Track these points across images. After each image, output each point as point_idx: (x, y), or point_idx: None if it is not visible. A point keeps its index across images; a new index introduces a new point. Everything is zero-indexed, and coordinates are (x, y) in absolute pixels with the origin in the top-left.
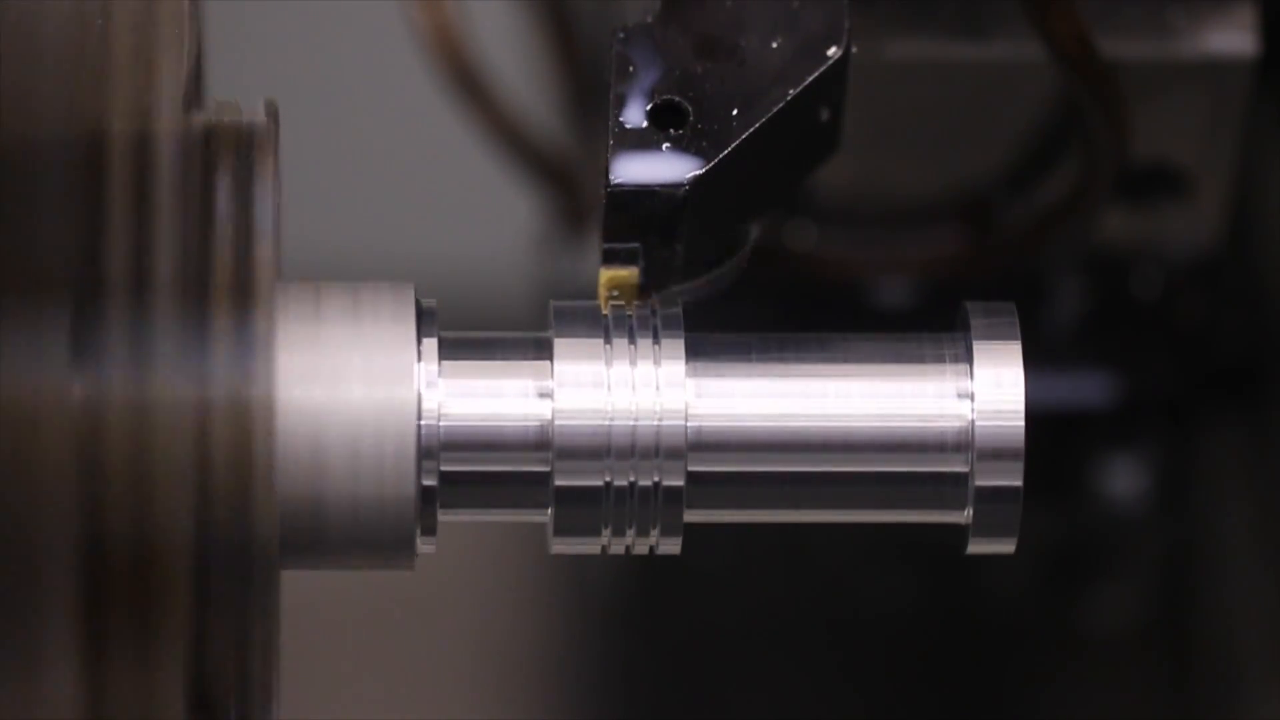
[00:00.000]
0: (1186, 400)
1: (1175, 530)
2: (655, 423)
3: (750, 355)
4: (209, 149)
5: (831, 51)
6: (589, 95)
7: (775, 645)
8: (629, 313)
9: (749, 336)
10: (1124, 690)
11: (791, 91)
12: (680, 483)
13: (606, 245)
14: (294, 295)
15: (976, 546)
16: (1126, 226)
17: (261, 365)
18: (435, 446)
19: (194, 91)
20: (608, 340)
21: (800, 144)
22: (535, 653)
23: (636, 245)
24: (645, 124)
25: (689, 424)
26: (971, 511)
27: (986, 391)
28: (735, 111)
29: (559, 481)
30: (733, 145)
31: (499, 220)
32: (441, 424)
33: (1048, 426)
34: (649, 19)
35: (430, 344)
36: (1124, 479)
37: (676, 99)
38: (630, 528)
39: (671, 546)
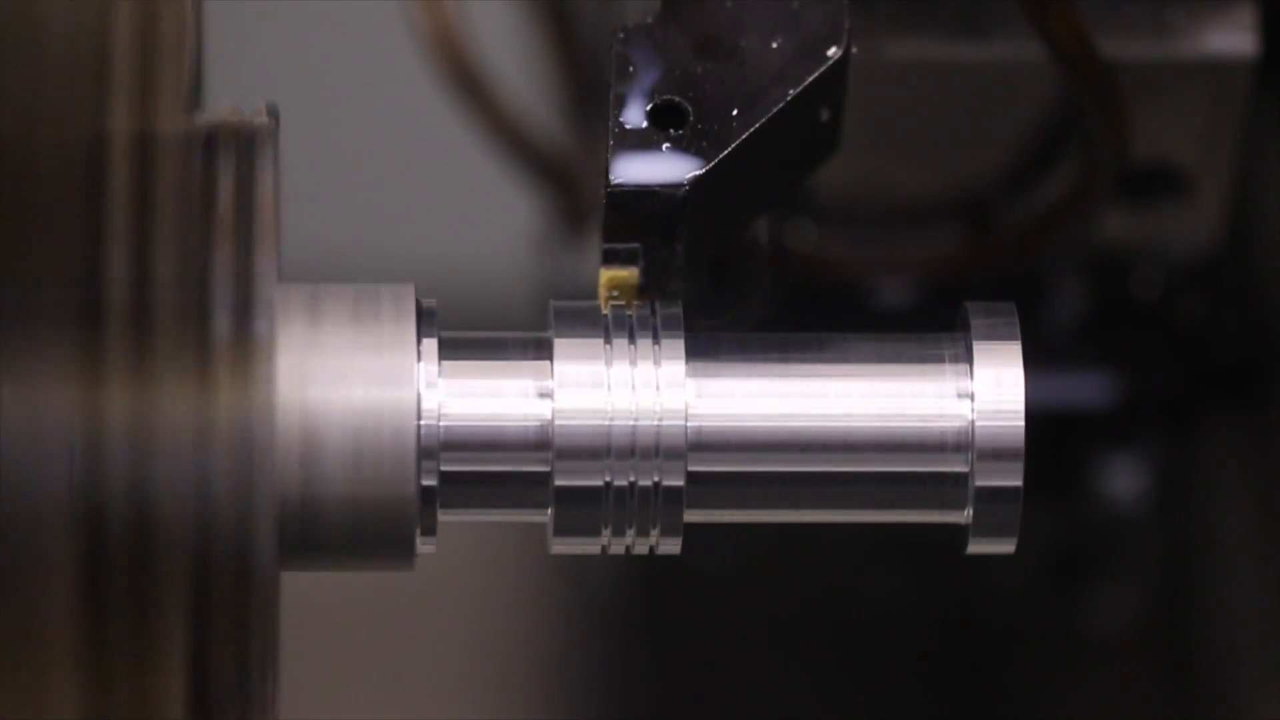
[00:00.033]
0: (1186, 400)
1: (1175, 530)
2: (655, 423)
3: (750, 355)
4: (209, 150)
5: (831, 51)
6: (589, 95)
7: (775, 645)
8: (629, 313)
9: (749, 336)
10: (1124, 690)
11: (791, 91)
12: (680, 483)
13: (606, 245)
14: (294, 296)
15: (976, 546)
16: (1126, 226)
17: (261, 366)
18: (435, 446)
19: (194, 92)
20: (608, 340)
21: (800, 144)
22: (535, 653)
23: (636, 245)
24: (645, 124)
25: (689, 424)
26: (971, 511)
27: (986, 391)
28: (735, 112)
29: (559, 481)
30: (733, 145)
31: (499, 220)
32: (441, 424)
33: (1048, 426)
34: (649, 19)
35: (430, 344)
36: (1124, 479)
37: (676, 99)
38: (630, 528)
39: (671, 546)
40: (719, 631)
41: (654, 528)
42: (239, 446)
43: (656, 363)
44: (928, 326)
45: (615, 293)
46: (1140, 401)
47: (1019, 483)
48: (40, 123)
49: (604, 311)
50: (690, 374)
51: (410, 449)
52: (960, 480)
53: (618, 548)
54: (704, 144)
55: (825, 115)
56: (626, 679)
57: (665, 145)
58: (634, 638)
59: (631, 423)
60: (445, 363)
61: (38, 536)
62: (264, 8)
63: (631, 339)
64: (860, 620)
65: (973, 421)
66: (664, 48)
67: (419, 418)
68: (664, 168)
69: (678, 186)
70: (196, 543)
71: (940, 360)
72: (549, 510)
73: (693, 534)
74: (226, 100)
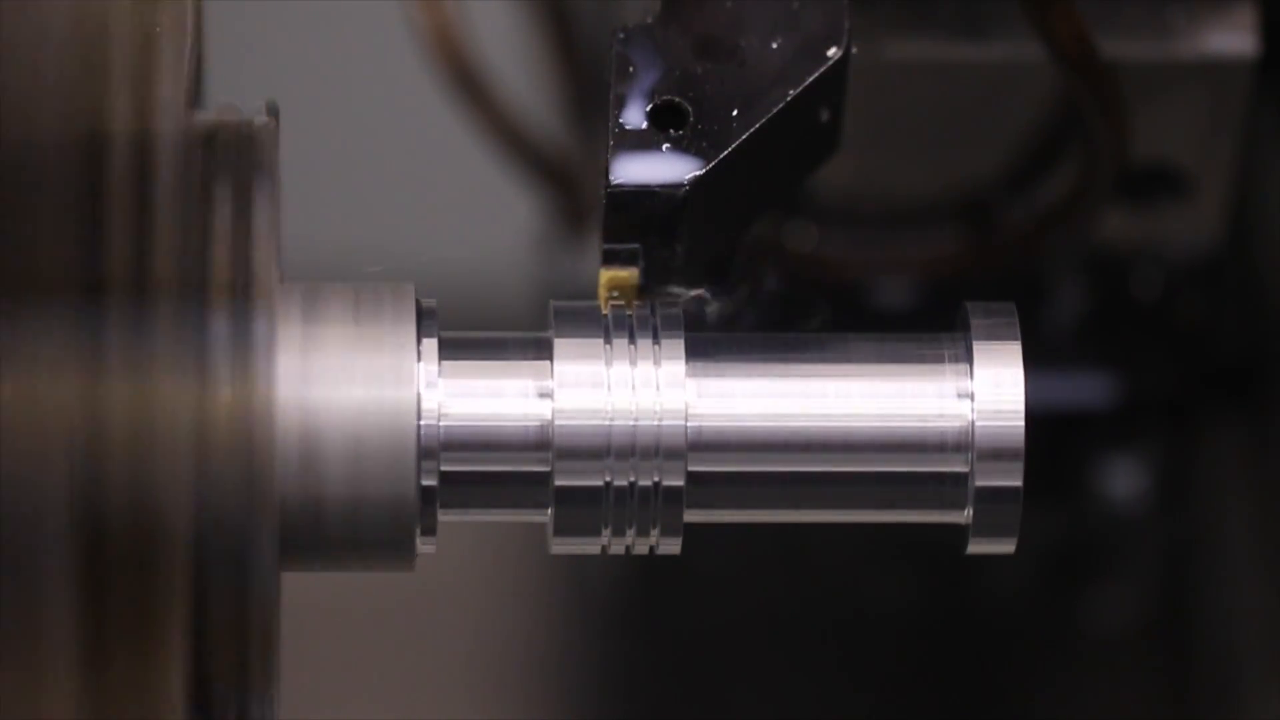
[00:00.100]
0: (1186, 400)
1: (1175, 530)
2: (655, 423)
3: (750, 355)
4: (209, 149)
5: (831, 52)
6: (589, 95)
7: (775, 645)
8: (629, 313)
9: (749, 336)
10: (1124, 690)
11: (791, 92)
12: (680, 483)
13: (606, 246)
14: (294, 296)
15: (976, 546)
16: (1126, 226)
17: (261, 366)
18: (435, 446)
19: (194, 92)
20: (608, 340)
21: (800, 144)
22: (535, 653)
23: (636, 246)
24: (645, 124)
25: (689, 424)
26: (971, 511)
27: (986, 391)
28: (735, 112)
29: (559, 481)
30: (733, 146)
31: (499, 220)
32: (441, 424)
33: (1048, 426)
34: (649, 19)
35: (430, 344)
36: (1124, 479)
37: (676, 99)
38: (630, 528)
39: (671, 546)
40: (719, 631)
41: (654, 528)
42: (239, 446)
43: (656, 363)
44: (928, 326)
45: (615, 293)
46: (1140, 401)
47: (1019, 483)
48: (40, 122)
49: (604, 311)
50: (690, 374)
51: (410, 449)
52: (960, 480)
53: (618, 548)
54: (704, 144)
55: (825, 115)
56: (626, 679)
57: (665, 145)
58: (634, 638)
59: (631, 423)
60: (445, 363)
61: (38, 536)
62: (264, 8)
63: (631, 339)
64: (860, 620)
65: (973, 421)
66: (664, 48)
67: (419, 418)
68: (664, 168)
69: (678, 187)
70: (196, 543)
71: (940, 360)
72: (549, 510)
73: (693, 534)
74: (226, 100)
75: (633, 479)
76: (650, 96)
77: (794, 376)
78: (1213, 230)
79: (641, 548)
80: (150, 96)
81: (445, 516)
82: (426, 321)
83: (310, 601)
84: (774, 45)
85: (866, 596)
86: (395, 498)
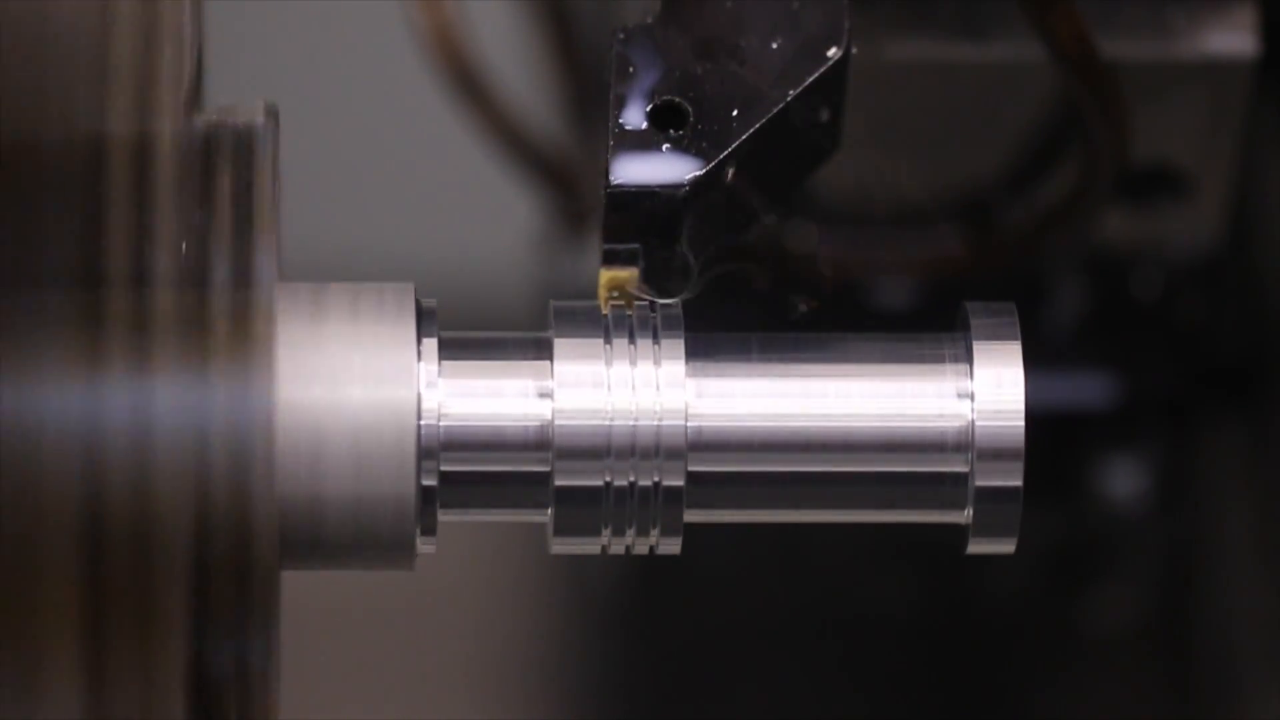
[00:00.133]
0: (1186, 400)
1: (1175, 530)
2: (655, 423)
3: (750, 355)
4: (209, 149)
5: (831, 52)
6: (589, 96)
7: (775, 645)
8: (629, 313)
9: (749, 336)
10: (1124, 690)
11: (791, 92)
12: (680, 483)
13: (606, 246)
14: (294, 296)
15: (976, 546)
16: (1126, 226)
17: (262, 366)
18: (435, 446)
19: (194, 92)
20: (608, 340)
21: (800, 144)
22: (535, 653)
23: (636, 246)
24: (645, 125)
25: (689, 424)
26: (971, 511)
27: (986, 391)
28: (735, 112)
29: (559, 481)
30: (733, 146)
31: (499, 220)
32: (441, 424)
33: (1048, 426)
34: (649, 20)
35: (430, 344)
36: (1124, 479)
37: (676, 100)
38: (630, 528)
39: (671, 546)
40: (719, 631)
41: (654, 528)
42: (239, 446)
43: (656, 363)
44: (928, 326)
45: (615, 293)
46: (1140, 401)
47: (1019, 483)
48: (41, 122)
49: (604, 311)
50: (690, 374)
51: (410, 449)
52: (960, 480)
53: (618, 548)
54: (704, 144)
55: (825, 115)
56: (626, 679)
57: (665, 146)
58: (634, 638)
59: (631, 423)
60: (445, 363)
61: (39, 535)
62: (264, 8)
63: (631, 339)
64: (860, 620)
65: (973, 421)
66: (664, 48)
67: (419, 417)
68: (664, 168)
69: (678, 187)
70: (197, 542)
71: (940, 360)
72: (549, 510)
73: (693, 534)
74: (226, 100)
75: (633, 479)
76: (650, 96)
77: (794, 376)
78: (1213, 230)
79: (641, 548)
80: (150, 96)
81: (445, 516)
82: (426, 321)
83: (310, 601)
84: (774, 45)
85: (866, 596)
86: (395, 497)
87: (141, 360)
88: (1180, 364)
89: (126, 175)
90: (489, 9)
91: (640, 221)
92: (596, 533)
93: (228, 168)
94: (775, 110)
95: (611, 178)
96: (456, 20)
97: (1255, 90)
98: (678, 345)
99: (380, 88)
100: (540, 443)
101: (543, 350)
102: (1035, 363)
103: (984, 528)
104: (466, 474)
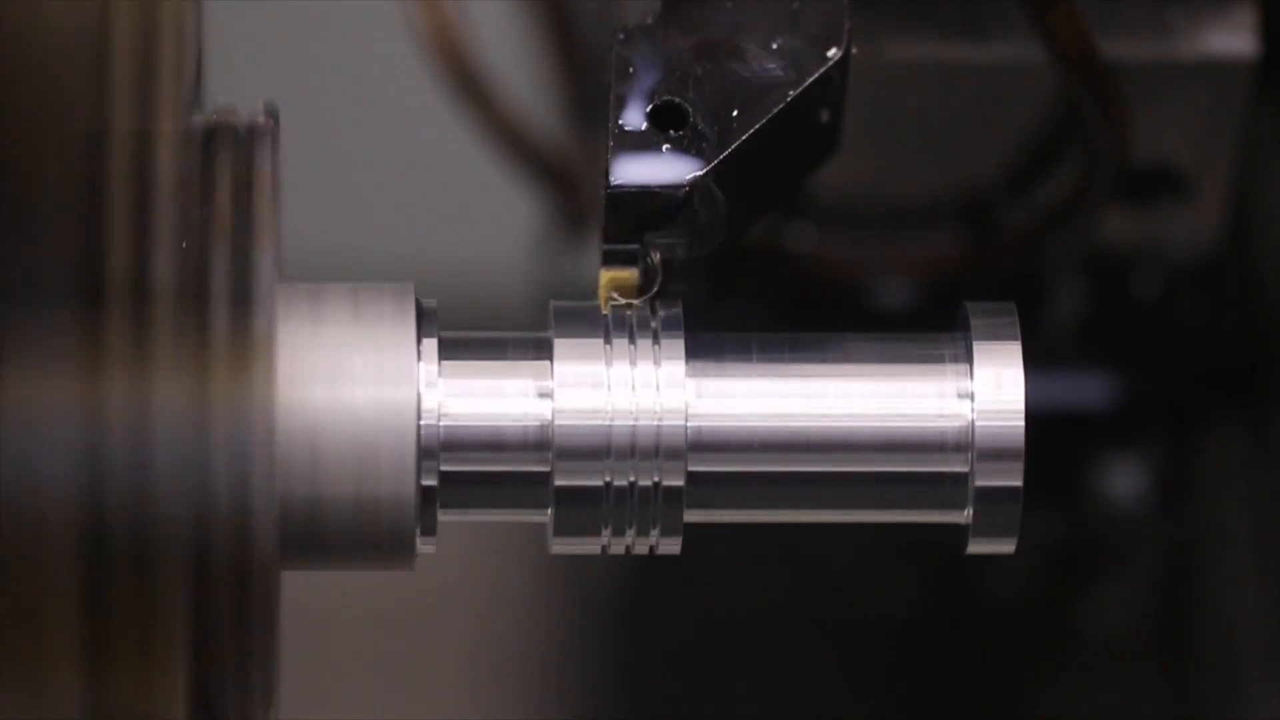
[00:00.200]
0: (1186, 400)
1: (1175, 530)
2: (655, 423)
3: (750, 355)
4: (209, 149)
5: (831, 52)
6: (589, 96)
7: (775, 645)
8: (629, 313)
9: (749, 336)
10: (1124, 690)
11: (791, 92)
12: (680, 483)
13: (606, 246)
14: (294, 296)
15: (976, 546)
16: (1126, 226)
17: (261, 366)
18: (435, 446)
19: (195, 93)
20: (608, 340)
21: (800, 145)
22: (535, 653)
23: (636, 246)
24: (645, 125)
25: (689, 424)
26: (971, 511)
27: (986, 391)
28: (735, 113)
29: (559, 481)
30: (733, 146)
31: (499, 220)
32: (441, 424)
33: (1048, 426)
34: (649, 20)
35: (430, 344)
36: (1124, 479)
37: (676, 100)
38: (630, 528)
39: (671, 546)
40: (719, 631)
41: (654, 528)
42: (239, 446)
43: (656, 363)
44: (928, 326)
45: (615, 293)
46: (1140, 401)
47: (1019, 483)
48: (41, 122)
49: (604, 311)
50: (690, 374)
51: (410, 449)
52: (960, 480)
53: (618, 548)
54: (704, 145)
55: (825, 116)
56: (626, 679)
57: (665, 146)
58: (634, 638)
59: (631, 423)
60: (445, 363)
61: (39, 535)
62: (264, 8)
63: (631, 339)
64: (860, 620)
65: (973, 421)
66: (664, 48)
67: (419, 418)
68: (664, 168)
69: (678, 187)
70: (197, 542)
71: (940, 360)
72: (549, 510)
73: (693, 534)
74: (226, 100)
75: (632, 479)
76: (650, 97)
77: (794, 376)
78: (1213, 230)
79: (641, 548)
80: (150, 96)
81: (445, 516)
82: (426, 321)
83: (310, 601)
84: (774, 45)
85: (866, 596)
86: (395, 497)
87: (142, 361)
88: (1180, 364)
89: (127, 176)
90: (489, 9)
91: (640, 222)
92: (596, 533)
93: (228, 168)
94: (775, 110)
95: (611, 178)
96: (456, 20)
97: (1255, 90)
98: (678, 345)
99: (380, 88)
100: (540, 443)
101: (543, 350)
102: (1035, 363)
103: (984, 528)
104: (466, 474)
